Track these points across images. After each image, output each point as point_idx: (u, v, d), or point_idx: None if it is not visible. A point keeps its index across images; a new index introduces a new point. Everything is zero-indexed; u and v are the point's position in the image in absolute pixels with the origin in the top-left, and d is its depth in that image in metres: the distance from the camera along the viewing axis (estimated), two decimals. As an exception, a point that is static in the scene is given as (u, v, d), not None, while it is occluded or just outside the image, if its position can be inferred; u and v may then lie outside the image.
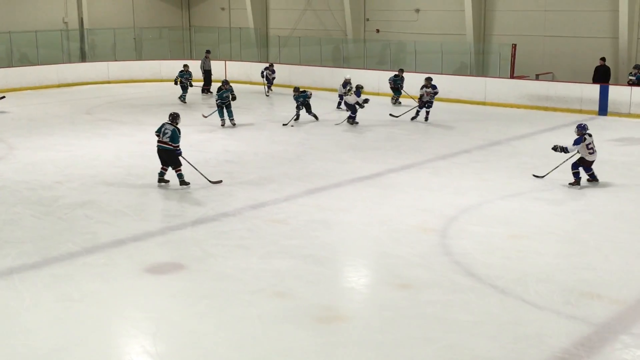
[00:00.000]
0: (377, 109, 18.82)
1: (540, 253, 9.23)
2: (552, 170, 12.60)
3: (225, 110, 17.77)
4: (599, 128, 16.98)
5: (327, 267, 8.85)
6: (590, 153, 12.06)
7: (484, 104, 21.76)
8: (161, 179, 12.36)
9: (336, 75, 24.79)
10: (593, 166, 12.26)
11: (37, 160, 14.44)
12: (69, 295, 7.95)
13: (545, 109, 20.68)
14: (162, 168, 12.32)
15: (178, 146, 12.06)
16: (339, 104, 20.74)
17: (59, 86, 25.70)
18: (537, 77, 22.44)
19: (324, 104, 21.38)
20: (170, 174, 12.28)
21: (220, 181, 12.47)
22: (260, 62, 27.99)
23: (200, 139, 16.42)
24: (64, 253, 9.22)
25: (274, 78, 23.83)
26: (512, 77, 22.54)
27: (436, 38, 24.73)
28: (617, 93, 19.67)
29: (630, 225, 10.38)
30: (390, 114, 18.95)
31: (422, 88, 18.58)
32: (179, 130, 12.12)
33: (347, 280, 8.72)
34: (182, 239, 10.04)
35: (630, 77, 19.88)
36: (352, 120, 18.20)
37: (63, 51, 27.81)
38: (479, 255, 9.12)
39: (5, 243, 9.56)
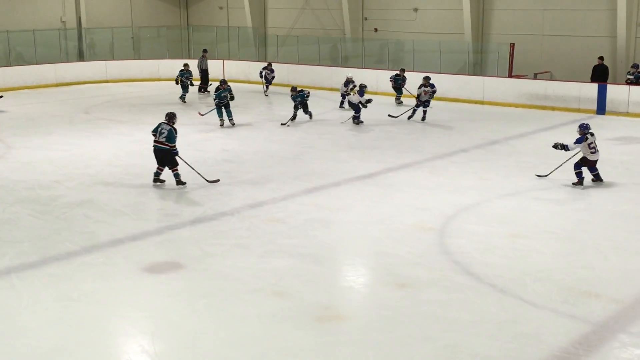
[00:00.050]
0: (375, 108, 18.79)
1: (538, 252, 9.24)
2: (555, 169, 12.58)
3: (224, 110, 17.71)
4: (597, 127, 16.80)
5: (325, 266, 8.85)
6: (592, 152, 12.03)
7: (482, 103, 21.77)
8: (156, 178, 12.33)
9: (334, 75, 24.82)
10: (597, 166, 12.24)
11: (35, 159, 14.43)
12: (67, 294, 7.94)
13: (544, 108, 20.69)
14: (157, 168, 12.27)
15: (174, 146, 12.02)
16: (342, 103, 20.72)
17: (56, 85, 25.68)
18: (535, 76, 22.46)
19: (323, 103, 21.39)
20: (167, 173, 12.26)
21: (218, 180, 12.46)
22: (258, 61, 27.97)
23: (198, 139, 16.42)
24: (62, 252, 9.22)
25: (273, 77, 23.71)
26: (510, 76, 22.54)
27: (434, 37, 24.73)
28: (615, 92, 19.69)
29: (629, 225, 10.38)
30: (389, 115, 18.92)
31: (419, 87, 18.59)
32: (175, 130, 12.09)
33: (345, 280, 8.72)
34: (181, 239, 10.04)
35: (628, 76, 19.90)
36: (356, 119, 18.16)
37: (61, 50, 27.80)
38: (478, 254, 9.13)
39: (3, 242, 9.55)
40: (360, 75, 22.16)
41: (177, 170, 12.12)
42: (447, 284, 8.17)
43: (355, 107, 18.09)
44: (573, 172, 12.21)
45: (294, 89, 18.37)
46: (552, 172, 12.62)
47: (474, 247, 9.37)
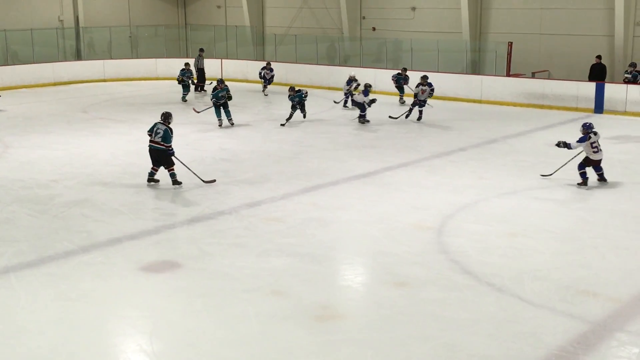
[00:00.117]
0: (375, 107, 18.74)
1: (537, 251, 9.25)
2: (559, 169, 12.54)
3: (222, 110, 17.63)
4: (594, 126, 16.94)
5: (323, 265, 8.84)
6: (595, 152, 11.96)
7: (480, 102, 21.78)
8: (151, 178, 12.27)
9: (332, 74, 24.83)
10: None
11: (33, 158, 14.42)
12: (65, 294, 7.93)
13: (541, 106, 20.71)
14: (152, 168, 12.22)
15: (170, 146, 11.97)
16: (345, 102, 20.69)
17: (54, 84, 25.65)
18: (533, 75, 22.49)
19: (321, 102, 21.38)
20: (161, 173, 12.21)
21: (214, 180, 12.43)
22: (256, 60, 27.98)
23: (196, 138, 16.42)
24: (60, 252, 9.21)
25: (272, 77, 23.59)
26: (508, 75, 22.56)
27: (432, 36, 24.73)
28: (613, 91, 19.71)
29: (627, 223, 10.39)
30: (390, 116, 18.78)
31: (417, 86, 18.59)
32: (171, 130, 12.01)
33: (343, 279, 8.72)
34: (179, 238, 10.03)
35: (626, 75, 19.91)
36: (362, 119, 18.13)
37: (59, 49, 27.77)
38: (476, 253, 9.13)
39: (1, 242, 9.54)
40: (358, 75, 22.13)
41: (173, 170, 12.08)
42: (446, 283, 8.17)
43: (361, 107, 18.05)
44: (576, 172, 12.16)
45: (292, 88, 18.30)
46: (555, 171, 12.59)
47: (472, 246, 9.37)
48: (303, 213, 10.82)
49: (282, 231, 9.99)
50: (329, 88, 23.92)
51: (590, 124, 12.21)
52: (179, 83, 22.09)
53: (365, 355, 6.58)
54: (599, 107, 19.77)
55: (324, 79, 24.85)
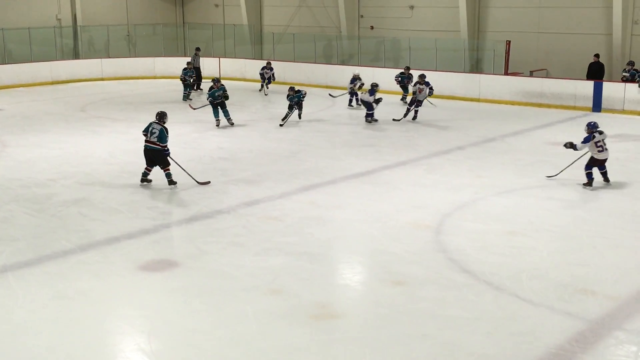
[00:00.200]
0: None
1: (535, 250, 9.25)
2: (564, 169, 12.43)
3: (220, 110, 17.47)
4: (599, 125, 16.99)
5: (321, 264, 8.84)
6: (599, 151, 11.85)
7: (478, 100, 21.78)
8: (144, 178, 12.20)
9: (330, 73, 24.83)
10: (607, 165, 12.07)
11: (30, 157, 14.40)
12: (63, 293, 7.93)
13: (540, 105, 20.72)
14: (146, 168, 12.15)
15: (166, 146, 11.89)
16: (350, 101, 20.64)
17: (52, 83, 25.62)
18: (531, 74, 22.49)
19: (319, 101, 21.38)
20: (155, 173, 12.13)
21: (209, 182, 12.36)
22: (254, 59, 27.96)
23: (194, 137, 16.41)
24: (58, 251, 9.20)
25: (271, 76, 23.45)
26: (506, 73, 22.55)
27: (430, 35, 24.73)
28: (611, 89, 19.72)
29: (625, 222, 10.40)
30: (394, 119, 18.60)
31: (414, 85, 18.58)
32: (166, 129, 11.93)
33: (342, 277, 8.72)
34: (177, 237, 10.03)
35: (624, 74, 19.92)
36: (370, 118, 18.07)
37: (56, 48, 27.73)
38: (474, 251, 9.13)
39: (-2, 241, 9.55)
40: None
41: (168, 170, 11.99)
42: (444, 282, 8.17)
43: (368, 106, 18.00)
44: (579, 171, 12.09)
45: (292, 88, 18.12)
46: (560, 172, 12.48)
47: (470, 244, 9.38)
48: (301, 212, 10.82)
49: (281, 230, 9.98)
50: (327, 87, 23.91)
51: (594, 123, 12.10)
52: (184, 82, 22.00)
53: (364, 353, 6.58)
54: (597, 106, 19.78)
55: (322, 78, 24.84)
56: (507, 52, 22.71)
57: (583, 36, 22.45)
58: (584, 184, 12.00)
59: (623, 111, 19.40)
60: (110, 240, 9.58)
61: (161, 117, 12.06)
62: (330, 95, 21.48)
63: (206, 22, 31.68)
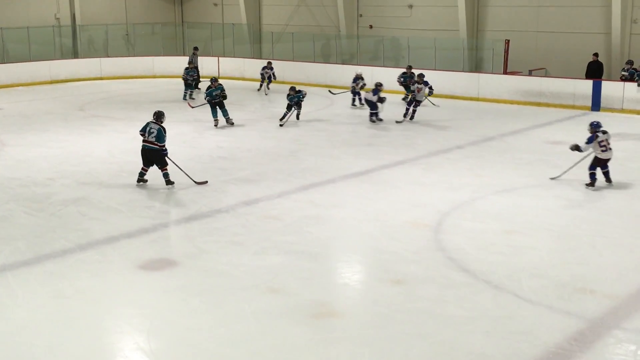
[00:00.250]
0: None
1: (533, 248, 9.26)
2: (567, 170, 12.35)
3: (219, 110, 17.36)
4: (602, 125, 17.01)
5: (320, 263, 8.85)
6: (602, 151, 11.80)
7: (477, 99, 21.77)
8: (140, 179, 12.18)
9: (329, 72, 24.82)
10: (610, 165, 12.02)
11: (29, 157, 14.40)
12: (62, 292, 7.93)
13: (538, 104, 20.72)
14: (142, 168, 12.10)
15: (164, 146, 11.86)
16: (353, 100, 20.61)
17: (51, 82, 25.60)
18: (530, 73, 22.48)
19: (317, 100, 21.36)
20: (152, 173, 12.10)
21: (206, 182, 12.35)
22: (253, 58, 27.95)
23: (193, 136, 16.41)
24: (57, 250, 9.20)
25: (270, 75, 23.36)
26: (505, 72, 22.55)
27: (429, 34, 24.71)
28: (610, 89, 19.72)
29: (624, 221, 10.41)
30: (397, 121, 18.50)
31: (413, 84, 18.57)
32: (164, 129, 11.88)
33: (340, 276, 8.72)
34: (176, 236, 10.03)
35: (623, 73, 19.93)
36: (374, 117, 18.03)
37: (55, 48, 27.71)
38: (473, 250, 9.14)
39: (-3, 240, 9.55)
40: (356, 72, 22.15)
41: (166, 170, 11.96)
42: (442, 281, 8.18)
43: (372, 105, 17.96)
44: (580, 171, 12.05)
45: (292, 88, 17.99)
46: (564, 173, 12.39)
47: (469, 243, 9.38)
48: (300, 211, 10.82)
49: (279, 229, 9.99)
50: (326, 86, 23.90)
51: (597, 122, 12.04)
52: (185, 82, 21.94)
53: (362, 352, 6.59)
54: (596, 105, 19.78)
55: (321, 77, 24.83)
56: (506, 51, 22.71)
57: (582, 35, 22.46)
58: (586, 184, 11.95)
59: (622, 110, 19.41)
60: (110, 239, 9.58)
61: (158, 116, 12.01)
62: (330, 92, 21.46)
63: (205, 21, 31.67)
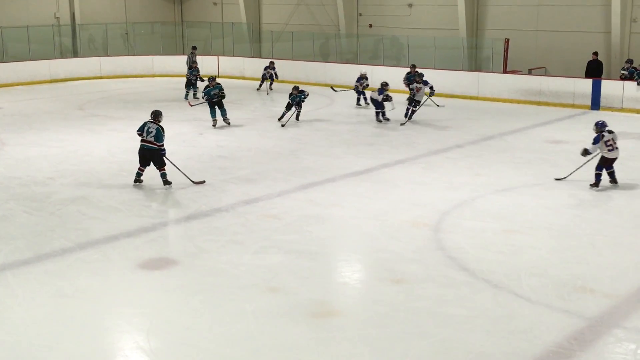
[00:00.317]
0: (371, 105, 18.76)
1: (533, 247, 9.26)
2: (573, 172, 12.29)
3: (217, 110, 17.30)
4: (591, 123, 16.92)
5: (320, 262, 8.85)
6: (609, 150, 11.75)
7: (477, 98, 21.77)
8: (137, 179, 12.14)
9: (329, 71, 24.81)
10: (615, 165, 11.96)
11: (29, 156, 14.39)
12: (62, 291, 7.93)
13: (538, 103, 20.72)
14: (139, 168, 12.06)
15: (162, 145, 11.84)
16: (358, 100, 20.56)
17: (50, 82, 25.59)
18: (529, 72, 22.48)
19: (317, 99, 21.35)
20: (149, 173, 12.07)
21: (204, 181, 12.32)
22: (252, 57, 27.94)
23: (192, 135, 16.40)
24: (57, 249, 9.20)
25: (271, 75, 23.31)
26: (504, 71, 22.56)
27: (429, 33, 24.71)
28: (610, 87, 19.71)
29: (623, 220, 10.41)
30: (402, 124, 18.40)
31: (412, 83, 18.55)
32: (162, 128, 11.85)
33: (340, 276, 8.72)
34: (176, 235, 10.03)
35: (623, 72, 19.92)
36: (381, 117, 18.00)
37: (55, 47, 27.70)
38: (473, 250, 9.14)
39: (-3, 239, 9.55)
40: (355, 72, 22.11)
41: (164, 170, 11.91)
42: (442, 280, 8.18)
43: (378, 104, 17.93)
44: (582, 171, 12.06)
45: (296, 88, 17.86)
46: (570, 174, 12.34)
47: (468, 242, 9.38)
48: (300, 210, 10.82)
49: (279, 228, 9.99)
50: (326, 84, 23.88)
51: (602, 122, 11.99)
52: (193, 81, 21.91)
53: (362, 351, 6.59)
54: (595, 104, 19.78)
55: (321, 76, 24.82)
56: (506, 50, 22.72)
57: (582, 34, 22.46)
58: (591, 185, 11.90)
59: (622, 109, 19.40)
60: (109, 238, 9.58)
61: (156, 116, 11.98)
62: (332, 88, 21.40)
63: (204, 21, 31.66)
